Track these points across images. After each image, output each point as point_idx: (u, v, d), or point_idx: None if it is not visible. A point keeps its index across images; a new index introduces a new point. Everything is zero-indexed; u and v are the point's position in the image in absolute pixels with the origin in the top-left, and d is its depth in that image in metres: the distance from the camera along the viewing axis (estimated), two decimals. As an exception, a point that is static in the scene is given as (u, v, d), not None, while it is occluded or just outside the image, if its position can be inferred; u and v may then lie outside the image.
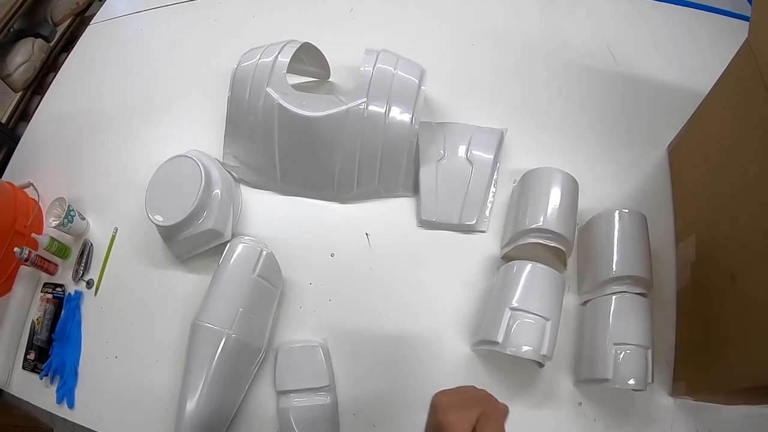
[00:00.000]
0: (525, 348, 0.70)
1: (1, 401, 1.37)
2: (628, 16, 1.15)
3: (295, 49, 0.92)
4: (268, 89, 0.89)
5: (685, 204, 0.86)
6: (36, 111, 1.28)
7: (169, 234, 0.90)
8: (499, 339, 0.71)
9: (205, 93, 1.13)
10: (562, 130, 0.99)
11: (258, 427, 0.81)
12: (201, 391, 0.76)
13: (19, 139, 1.26)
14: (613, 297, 0.75)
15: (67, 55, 1.37)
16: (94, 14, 1.46)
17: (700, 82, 0.83)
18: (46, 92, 1.31)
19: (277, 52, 0.91)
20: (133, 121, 1.16)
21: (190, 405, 0.75)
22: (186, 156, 0.92)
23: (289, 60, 0.90)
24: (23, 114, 1.93)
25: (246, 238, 0.86)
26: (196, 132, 1.07)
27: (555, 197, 0.81)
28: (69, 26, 2.11)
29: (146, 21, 1.36)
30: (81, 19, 2.12)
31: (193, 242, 0.90)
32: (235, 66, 0.94)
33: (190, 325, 0.80)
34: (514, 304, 0.73)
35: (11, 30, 1.89)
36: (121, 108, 1.19)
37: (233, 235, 0.90)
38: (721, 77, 0.78)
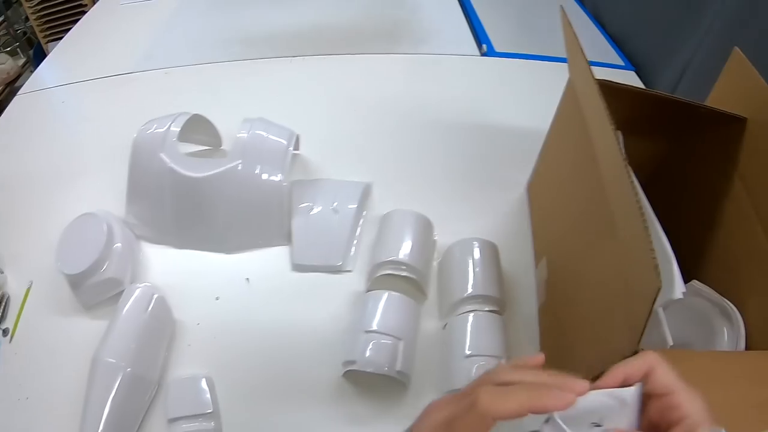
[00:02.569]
0: (380, 365, 0.81)
1: None
2: (494, 74, 1.36)
3: (185, 119, 1.07)
4: (162, 154, 1.04)
5: (538, 232, 1.02)
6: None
7: (75, 283, 1.01)
8: (357, 359, 0.82)
9: (114, 160, 1.23)
10: (426, 179, 1.14)
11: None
12: (100, 423, 0.85)
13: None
14: (468, 315, 0.87)
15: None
16: (21, 85, 1.59)
17: (543, 124, 0.99)
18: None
19: (170, 123, 1.06)
20: (49, 184, 1.28)
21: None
22: (92, 214, 1.04)
23: (179, 129, 1.05)
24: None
25: (140, 284, 0.98)
26: (104, 194, 1.19)
27: (405, 233, 0.96)
28: (-1, 95, 2.22)
29: (68, 94, 1.50)
30: (11, 89, 2.21)
31: (95, 290, 1.01)
32: (135, 136, 1.08)
33: (90, 361, 0.90)
34: (370, 327, 0.85)
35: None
36: (38, 172, 1.31)
37: (131, 284, 1.02)
38: (555, 116, 0.95)
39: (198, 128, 1.15)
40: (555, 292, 0.89)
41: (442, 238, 1.01)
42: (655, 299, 0.53)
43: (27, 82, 1.57)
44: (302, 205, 1.05)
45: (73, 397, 0.96)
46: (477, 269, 0.91)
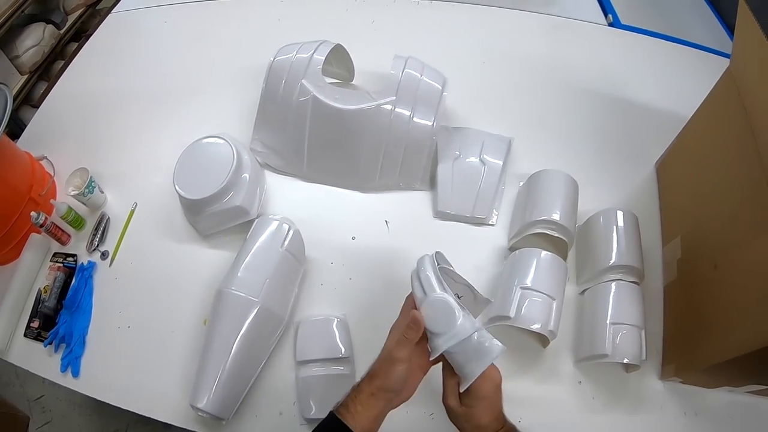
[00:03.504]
0: (534, 323, 0.78)
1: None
2: (623, 47, 1.29)
3: (330, 48, 1.00)
4: (304, 81, 0.96)
5: (671, 212, 0.97)
6: (53, 88, 1.30)
7: (195, 209, 0.94)
8: (511, 314, 0.79)
9: (230, 84, 1.20)
10: (561, 141, 1.09)
11: (275, 395, 0.85)
12: (225, 358, 0.79)
13: (21, 122, 1.27)
14: (612, 283, 0.84)
15: (78, 45, 1.40)
16: (105, 7, 1.50)
17: (683, 108, 0.94)
18: (61, 73, 1.33)
19: (313, 50, 0.99)
20: (155, 105, 1.20)
21: (213, 371, 0.78)
22: (219, 137, 0.96)
23: (324, 57, 0.98)
24: (27, 98, 1.92)
25: (275, 215, 0.91)
26: (221, 118, 1.12)
27: (559, 194, 0.91)
28: (80, 16, 2.13)
29: (170, 14, 1.42)
30: (92, 11, 2.15)
31: (219, 218, 0.94)
32: (272, 59, 1.01)
33: (215, 293, 0.84)
34: (525, 284, 0.81)
35: (24, 13, 1.89)
36: (143, 92, 1.24)
37: (258, 215, 0.95)
38: (704, 103, 0.90)
39: (332, 60, 1.08)
40: (690, 270, 0.85)
41: (578, 204, 0.95)
42: None
43: (121, 2, 1.48)
44: (447, 152, 0.99)
45: (184, 331, 0.91)
46: (622, 240, 0.88)
